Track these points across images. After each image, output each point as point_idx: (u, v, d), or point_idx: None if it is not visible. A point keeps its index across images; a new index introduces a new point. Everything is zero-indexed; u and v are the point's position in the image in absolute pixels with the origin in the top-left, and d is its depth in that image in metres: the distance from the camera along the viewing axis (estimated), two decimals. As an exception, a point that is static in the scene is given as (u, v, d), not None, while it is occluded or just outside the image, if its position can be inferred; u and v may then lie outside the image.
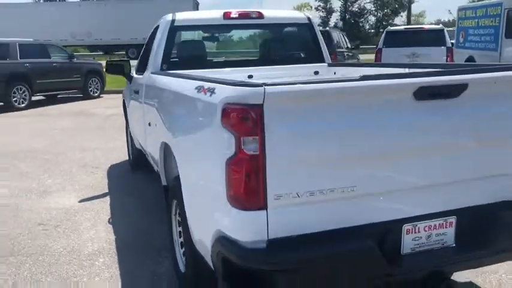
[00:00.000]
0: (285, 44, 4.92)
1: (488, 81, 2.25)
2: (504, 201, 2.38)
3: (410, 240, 2.24)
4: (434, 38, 11.96)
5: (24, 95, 13.19)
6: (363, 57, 19.30)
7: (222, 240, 2.08)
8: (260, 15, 4.54)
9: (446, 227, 2.30)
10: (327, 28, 15.72)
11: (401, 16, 51.71)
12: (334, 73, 4.57)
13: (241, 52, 5.45)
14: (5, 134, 9.27)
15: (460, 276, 3.17)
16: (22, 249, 3.90)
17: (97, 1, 32.76)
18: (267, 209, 1.98)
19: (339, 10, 51.40)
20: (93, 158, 7.06)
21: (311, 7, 54.53)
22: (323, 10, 52.36)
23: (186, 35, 4.65)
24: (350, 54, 14.54)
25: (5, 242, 4.04)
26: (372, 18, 50.47)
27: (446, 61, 11.81)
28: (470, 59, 15.68)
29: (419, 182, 2.22)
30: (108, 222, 4.49)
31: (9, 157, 7.21)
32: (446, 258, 2.31)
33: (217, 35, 4.81)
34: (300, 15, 4.77)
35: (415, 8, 71.64)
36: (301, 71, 4.47)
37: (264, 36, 5.42)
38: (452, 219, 2.30)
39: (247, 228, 2.00)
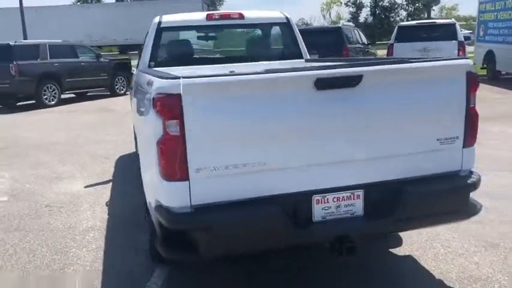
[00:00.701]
0: (265, 42, 5.33)
1: (382, 73, 2.61)
2: (404, 177, 2.72)
3: (320, 210, 2.63)
4: (445, 32, 12.03)
5: (54, 93, 14.02)
6: (381, 52, 19.36)
7: (158, 208, 2.53)
8: (241, 16, 4.95)
9: (354, 199, 2.67)
10: (339, 25, 15.91)
11: (433, 10, 50.83)
12: None
13: (227, 50, 5.86)
14: (33, 129, 10.03)
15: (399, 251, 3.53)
16: (27, 226, 4.48)
17: (113, 3, 33.57)
18: (189, 180, 2.42)
19: (369, 5, 51.01)
20: (105, 149, 7.66)
21: (341, 3, 54.33)
22: (353, 5, 52.09)
23: (174, 35, 5.12)
24: (366, 50, 14.75)
25: (13, 220, 4.64)
26: (403, 13, 49.75)
27: (458, 55, 11.85)
28: (490, 52, 15.59)
29: (326, 159, 2.60)
30: (106, 204, 5.01)
31: (32, 149, 7.91)
32: (355, 226, 2.69)
33: (202, 34, 5.25)
34: (278, 15, 5.16)
35: (448, 1, 69.96)
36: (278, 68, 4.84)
37: (246, 36, 5.83)
38: (360, 193, 2.67)
39: (174, 196, 2.45)
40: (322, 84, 2.48)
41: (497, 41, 15.13)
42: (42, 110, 13.15)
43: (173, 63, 4.72)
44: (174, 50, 4.97)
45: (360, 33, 15.35)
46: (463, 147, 2.81)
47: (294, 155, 2.55)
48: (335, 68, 2.58)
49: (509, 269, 3.24)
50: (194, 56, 5.09)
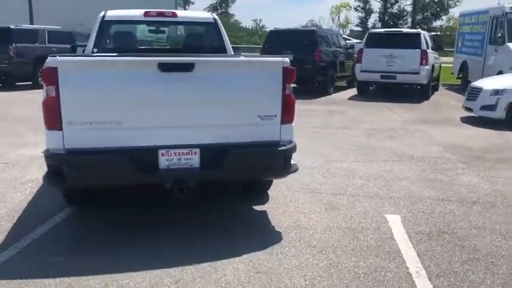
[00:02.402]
0: (193, 38, 6.30)
1: (210, 63, 3.58)
2: (230, 142, 3.68)
3: (165, 161, 3.61)
4: (410, 41, 12.86)
5: (49, 76, 15.12)
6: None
7: (45, 150, 3.53)
8: (174, 15, 5.93)
9: (192, 155, 3.64)
10: (314, 28, 16.85)
11: (442, 20, 51.23)
12: None
13: (160, 43, 6.82)
14: (24, 107, 11.15)
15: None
16: (-19, 176, 5.52)
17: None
18: (62, 130, 3.41)
19: (378, 11, 51.63)
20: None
21: (350, 7, 54.92)
22: (362, 10, 52.75)
23: (114, 28, 6.10)
24: (346, 53, 15.68)
25: (-28, 170, 5.69)
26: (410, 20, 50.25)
27: (421, 63, 12.68)
28: (464, 63, 16.39)
29: (169, 123, 3.57)
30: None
31: (14, 122, 8.98)
32: (192, 174, 3.66)
33: (139, 28, 6.23)
34: (207, 16, 6.13)
35: (457, 12, 69.83)
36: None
37: (178, 32, 6.81)
38: (196, 150, 3.64)
39: (52, 141, 3.44)
40: (163, 67, 3.46)
41: (470, 53, 15.94)
42: (39, 90, 14.20)
43: (112, 51, 5.70)
44: (113, 40, 5.97)
45: (341, 38, 16.28)
46: (281, 123, 3.77)
47: (144, 118, 3.53)
48: (173, 57, 3.55)
49: (327, 222, 4.18)
50: (130, 46, 6.05)
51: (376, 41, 13.44)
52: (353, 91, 14.91)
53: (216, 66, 3.66)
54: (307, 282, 3.18)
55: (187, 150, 3.64)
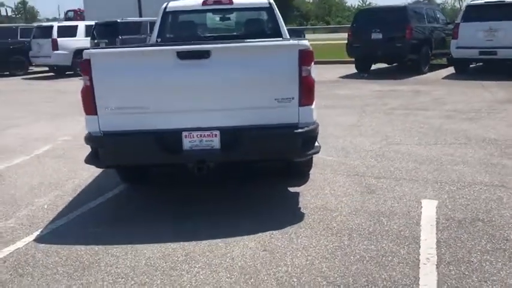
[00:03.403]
0: (250, 23, 6.43)
1: (227, 49, 3.72)
2: (248, 125, 3.81)
3: (188, 142, 3.86)
4: (513, 11, 11.66)
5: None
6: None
7: (87, 133, 3.98)
8: (230, 2, 6.15)
9: (212, 137, 3.84)
10: (405, 4, 15.77)
11: None
12: None
13: (219, 30, 7.03)
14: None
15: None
16: None
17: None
18: (98, 115, 3.82)
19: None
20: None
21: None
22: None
23: (176, 18, 6.47)
24: (444, 29, 14.65)
25: None
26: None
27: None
28: None
29: (191, 107, 3.80)
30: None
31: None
32: (213, 155, 3.87)
33: (199, 17, 6.54)
34: (262, 1, 6.23)
35: None
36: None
37: (235, 18, 6.95)
38: (217, 132, 3.83)
39: (90, 125, 3.87)
40: (182, 55, 3.69)
41: None
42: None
43: (173, 40, 6.10)
44: (175, 30, 6.35)
45: (440, 13, 15.21)
46: (299, 105, 3.80)
47: (168, 103, 3.81)
48: (190, 45, 3.76)
49: (356, 206, 4.13)
50: (190, 34, 6.38)
51: (474, 14, 12.38)
52: (451, 69, 13.94)
53: (232, 52, 3.80)
54: (307, 262, 3.23)
55: (208, 133, 3.84)
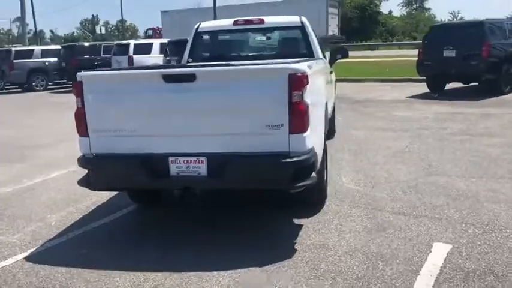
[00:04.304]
0: (280, 43, 6.20)
1: (212, 73, 3.54)
2: (235, 151, 3.59)
3: (175, 168, 3.73)
4: None
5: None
6: None
7: (80, 155, 4.00)
8: (261, 21, 6.00)
9: (199, 163, 3.68)
10: (482, 19, 14.39)
11: None
12: None
13: (249, 49, 6.82)
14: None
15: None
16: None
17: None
18: (89, 137, 3.82)
19: None
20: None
21: None
22: None
23: (208, 38, 6.42)
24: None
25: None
26: None
27: None
28: None
29: (177, 132, 3.68)
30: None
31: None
32: (199, 181, 3.71)
33: (229, 37, 6.43)
34: (294, 20, 5.99)
35: None
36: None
37: (265, 38, 6.73)
38: (203, 159, 3.67)
39: (83, 147, 3.89)
40: (167, 79, 3.58)
41: None
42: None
43: (204, 60, 6.07)
44: (206, 49, 6.31)
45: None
46: (290, 133, 3.52)
47: (155, 127, 3.72)
48: (174, 68, 3.63)
49: (357, 245, 3.73)
50: (221, 54, 6.30)
51: None
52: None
53: (218, 76, 3.63)
54: (272, 308, 2.94)
55: (195, 159, 3.69)
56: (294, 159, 3.54)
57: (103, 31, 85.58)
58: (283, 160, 3.52)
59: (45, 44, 59.82)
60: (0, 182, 6.17)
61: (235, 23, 6.05)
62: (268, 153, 3.58)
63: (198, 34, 6.21)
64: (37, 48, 23.02)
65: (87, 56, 19.99)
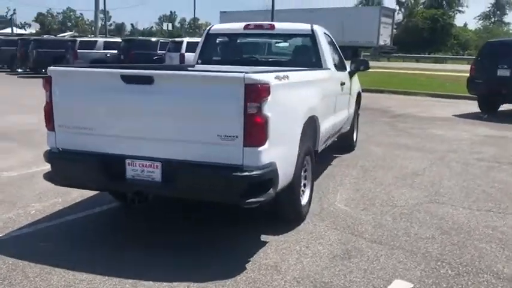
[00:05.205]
0: (288, 50, 5.96)
1: (168, 76, 3.42)
2: (187, 160, 3.46)
3: (131, 171, 3.66)
4: None
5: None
6: None
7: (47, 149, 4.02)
8: (271, 27, 5.82)
9: (154, 168, 3.59)
10: None
11: None
12: None
13: (257, 54, 6.57)
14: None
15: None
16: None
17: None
18: (55, 131, 3.84)
19: None
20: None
21: None
22: None
23: (218, 40, 6.30)
24: None
25: None
26: None
27: None
28: None
29: (133, 134, 3.61)
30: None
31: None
32: (153, 187, 3.62)
33: (239, 40, 6.27)
34: (305, 27, 5.73)
35: None
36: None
37: (274, 44, 6.47)
38: (158, 164, 3.57)
39: (49, 141, 3.91)
40: (126, 79, 3.52)
41: None
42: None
43: (213, 62, 5.99)
44: (216, 52, 6.21)
45: None
46: (244, 146, 3.34)
47: (114, 127, 3.68)
48: (133, 69, 3.55)
49: (310, 271, 3.47)
50: (230, 57, 6.17)
51: None
52: None
53: (175, 80, 3.52)
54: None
55: (150, 163, 3.60)
56: (245, 173, 3.35)
57: (170, 27, 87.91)
58: (234, 173, 3.35)
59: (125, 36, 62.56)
60: (12, 166, 6.40)
61: (246, 27, 5.90)
62: (220, 165, 3.42)
63: (209, 36, 6.12)
64: (100, 40, 24.10)
65: (144, 51, 20.57)
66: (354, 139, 7.85)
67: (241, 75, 3.31)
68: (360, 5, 59.00)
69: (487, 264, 3.69)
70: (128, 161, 3.66)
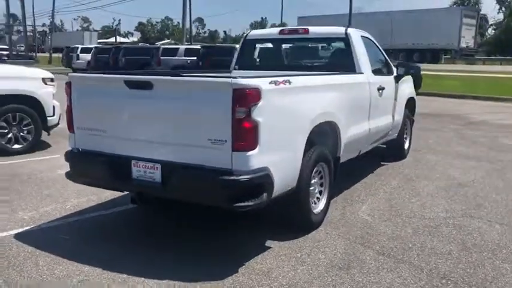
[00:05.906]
0: (323, 54, 5.83)
1: (165, 82, 3.55)
2: (181, 162, 3.56)
3: (136, 171, 3.85)
4: None
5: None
6: None
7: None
8: (306, 31, 5.77)
9: (154, 169, 3.75)
10: None
11: None
12: None
13: (295, 59, 6.40)
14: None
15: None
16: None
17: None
18: (74, 133, 4.15)
19: None
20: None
21: None
22: None
23: (255, 46, 6.33)
24: None
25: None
26: None
27: None
28: None
29: (137, 136, 3.79)
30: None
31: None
32: (153, 188, 3.78)
33: (275, 45, 6.24)
34: (338, 31, 5.58)
35: None
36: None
37: (309, 48, 6.30)
38: (158, 165, 3.72)
39: (70, 142, 4.23)
40: (129, 85, 3.72)
41: None
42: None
43: (250, 68, 6.07)
44: (254, 57, 6.27)
45: None
46: (233, 150, 3.38)
47: (121, 130, 3.89)
48: (135, 75, 3.72)
49: (301, 279, 3.40)
50: (267, 63, 6.18)
51: None
52: None
53: (171, 86, 3.66)
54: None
55: (151, 165, 3.76)
56: (233, 177, 3.38)
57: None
58: (222, 177, 3.39)
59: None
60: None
61: (281, 32, 5.91)
62: (210, 168, 3.48)
63: (246, 42, 6.21)
64: (181, 48, 25.25)
65: (220, 57, 21.20)
66: (406, 147, 7.49)
67: (229, 80, 3.35)
68: (455, 5, 55.78)
69: (499, 286, 3.37)
70: (133, 162, 3.85)
